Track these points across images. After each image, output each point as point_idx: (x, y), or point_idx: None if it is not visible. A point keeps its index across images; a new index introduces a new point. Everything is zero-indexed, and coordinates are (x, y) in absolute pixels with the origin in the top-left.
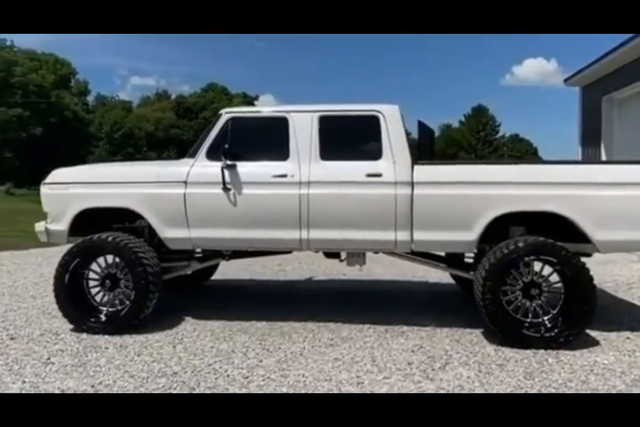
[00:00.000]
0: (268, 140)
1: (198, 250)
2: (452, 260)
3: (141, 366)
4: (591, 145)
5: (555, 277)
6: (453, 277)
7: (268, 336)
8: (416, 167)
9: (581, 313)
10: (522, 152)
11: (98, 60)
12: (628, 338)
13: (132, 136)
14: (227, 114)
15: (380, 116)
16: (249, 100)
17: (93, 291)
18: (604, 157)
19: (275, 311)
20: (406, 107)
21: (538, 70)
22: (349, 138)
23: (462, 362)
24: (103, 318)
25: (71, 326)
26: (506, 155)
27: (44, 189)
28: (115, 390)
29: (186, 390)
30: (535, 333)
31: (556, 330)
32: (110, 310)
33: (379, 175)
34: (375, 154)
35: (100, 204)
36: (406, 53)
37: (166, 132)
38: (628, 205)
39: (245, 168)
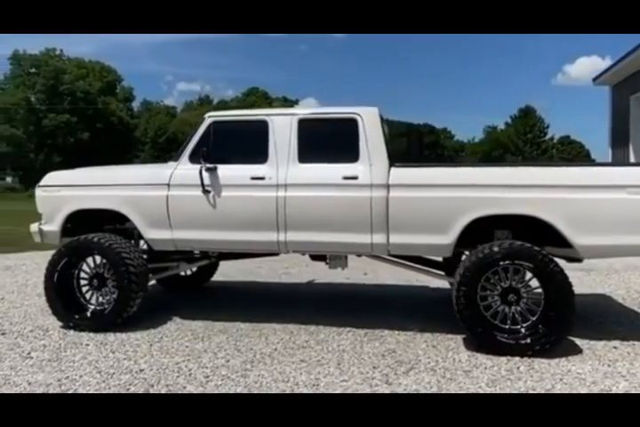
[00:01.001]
0: (249, 143)
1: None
2: (450, 265)
3: (112, 363)
4: (620, 146)
5: (535, 283)
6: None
7: (245, 337)
8: (392, 170)
9: (558, 320)
10: (572, 154)
11: (146, 66)
12: (615, 348)
13: (176, 140)
14: (209, 118)
15: (359, 119)
16: (289, 104)
17: (83, 290)
18: (632, 159)
19: (262, 313)
20: (447, 107)
21: (592, 69)
22: (328, 140)
23: (429, 367)
24: (88, 315)
25: (61, 324)
26: (555, 157)
27: (37, 192)
28: (77, 385)
29: (144, 388)
30: (510, 339)
31: (531, 337)
32: (97, 308)
33: (355, 178)
34: (352, 156)
35: (89, 206)
36: (448, 53)
37: None
38: (608, 208)
39: (225, 171)
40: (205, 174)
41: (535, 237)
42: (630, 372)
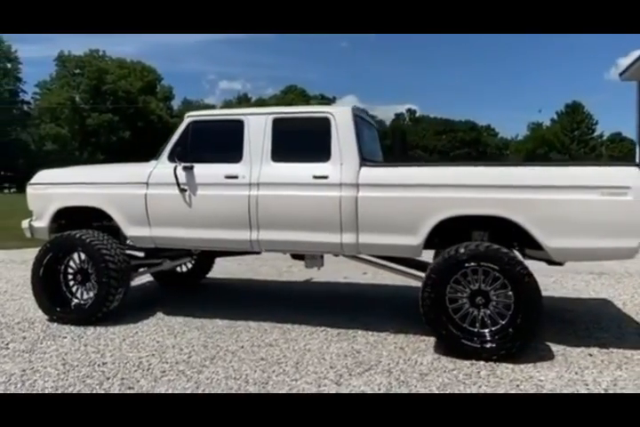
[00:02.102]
0: (226, 142)
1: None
2: None
3: (80, 356)
4: None
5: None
6: None
7: (218, 334)
8: (362, 169)
9: (524, 325)
10: (623, 152)
11: (190, 66)
12: (590, 355)
13: None
14: (188, 117)
15: (331, 118)
16: (326, 102)
17: (69, 284)
18: None
19: (244, 310)
20: (491, 104)
21: None
22: (301, 140)
23: (386, 369)
24: (71, 309)
25: (47, 317)
26: (605, 155)
27: (28, 189)
28: (37, 376)
29: (99, 380)
30: (474, 343)
31: (496, 341)
32: (79, 302)
33: (325, 177)
34: (324, 156)
35: (73, 203)
36: (491, 49)
37: None
38: (580, 210)
39: (202, 170)
40: (182, 173)
41: (514, 240)
42: (596, 380)
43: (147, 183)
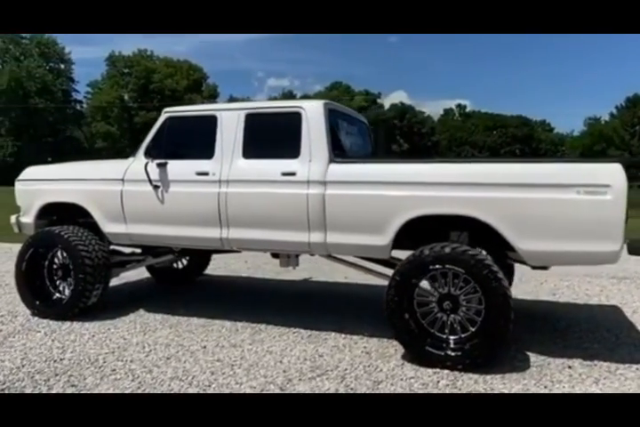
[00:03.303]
0: (200, 138)
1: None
2: None
3: (43, 351)
4: None
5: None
6: None
7: (188, 332)
8: (331, 166)
9: (491, 333)
10: None
11: (239, 64)
12: (570, 367)
13: None
14: (165, 113)
15: (302, 113)
16: (371, 98)
17: (53, 279)
18: None
19: (228, 308)
20: (546, 98)
21: None
22: (273, 136)
23: (340, 375)
24: (49, 304)
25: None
26: None
27: (16, 185)
28: None
29: (46, 377)
30: (439, 350)
31: (462, 350)
32: (58, 297)
33: (293, 174)
34: (294, 152)
35: (56, 199)
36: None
37: None
38: (554, 210)
39: (175, 166)
40: (156, 170)
41: (494, 242)
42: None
43: (122, 180)
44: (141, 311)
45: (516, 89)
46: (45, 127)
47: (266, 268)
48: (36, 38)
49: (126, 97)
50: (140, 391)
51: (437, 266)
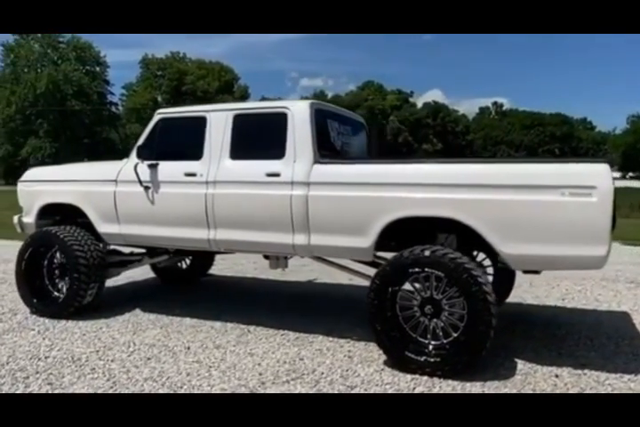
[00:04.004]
0: (190, 139)
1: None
2: None
3: (31, 349)
4: None
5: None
6: None
7: (177, 333)
8: (314, 167)
9: (470, 339)
10: None
11: (273, 65)
12: (557, 376)
13: None
14: (158, 114)
15: (288, 113)
16: (403, 97)
17: (52, 277)
18: None
19: (223, 308)
20: (588, 95)
21: None
22: (260, 136)
23: (315, 379)
24: (46, 302)
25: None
26: None
27: (18, 186)
28: None
29: (25, 375)
30: (418, 356)
31: (441, 356)
32: (55, 295)
33: (277, 175)
34: (279, 153)
35: (54, 200)
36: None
37: None
38: (538, 212)
39: (165, 167)
40: (147, 171)
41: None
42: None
43: (116, 181)
44: (137, 311)
45: (556, 87)
46: (82, 129)
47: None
48: (72, 42)
49: (159, 99)
50: (111, 391)
51: (417, 269)
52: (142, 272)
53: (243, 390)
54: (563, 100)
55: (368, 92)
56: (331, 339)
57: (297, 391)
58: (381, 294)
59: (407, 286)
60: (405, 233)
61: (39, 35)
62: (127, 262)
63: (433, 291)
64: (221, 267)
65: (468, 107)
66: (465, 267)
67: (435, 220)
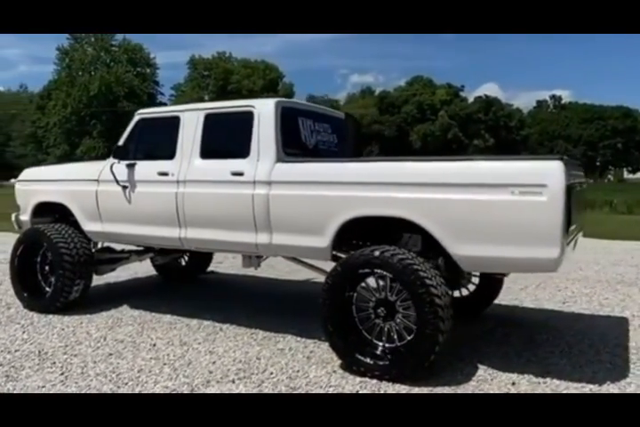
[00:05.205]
0: (165, 139)
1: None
2: None
3: (6, 342)
4: None
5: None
6: None
7: (151, 330)
8: (276, 166)
9: (417, 343)
10: None
11: (322, 62)
12: (514, 384)
13: None
14: (137, 115)
15: (254, 112)
16: (453, 92)
17: (46, 274)
18: None
19: (209, 306)
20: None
21: None
22: (228, 135)
23: (261, 379)
24: (35, 297)
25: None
26: None
27: (15, 185)
28: None
29: None
30: (369, 359)
31: (389, 359)
32: (43, 291)
33: (241, 174)
34: (244, 152)
35: (45, 199)
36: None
37: (369, 128)
38: (487, 212)
39: (141, 167)
40: (124, 170)
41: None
42: None
43: (98, 180)
44: (124, 307)
45: (621, 78)
46: None
47: (277, 267)
48: (123, 45)
49: (206, 98)
50: (59, 385)
51: (367, 270)
52: (147, 269)
53: (183, 389)
54: (628, 93)
55: (417, 87)
56: (298, 339)
57: (237, 391)
58: (333, 293)
59: (369, 285)
60: (373, 233)
61: (92, 38)
62: (116, 260)
63: (387, 293)
64: (226, 264)
65: (525, 100)
66: (412, 268)
67: (391, 220)
